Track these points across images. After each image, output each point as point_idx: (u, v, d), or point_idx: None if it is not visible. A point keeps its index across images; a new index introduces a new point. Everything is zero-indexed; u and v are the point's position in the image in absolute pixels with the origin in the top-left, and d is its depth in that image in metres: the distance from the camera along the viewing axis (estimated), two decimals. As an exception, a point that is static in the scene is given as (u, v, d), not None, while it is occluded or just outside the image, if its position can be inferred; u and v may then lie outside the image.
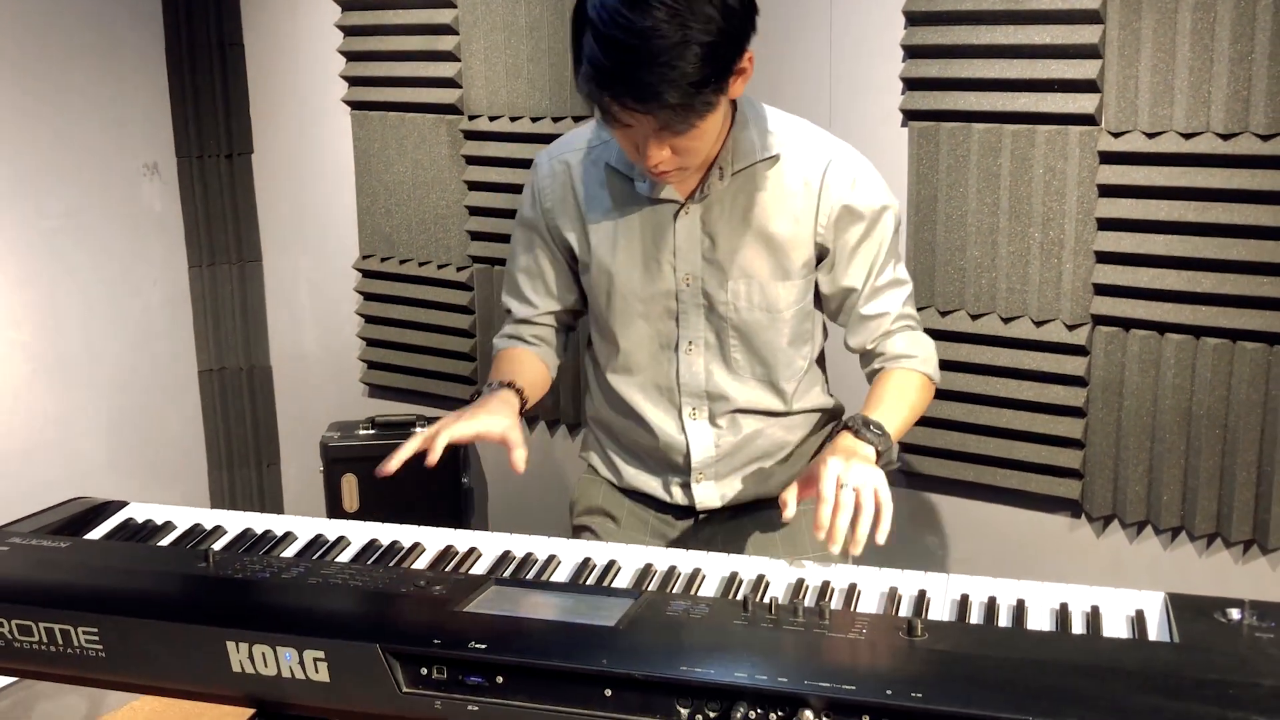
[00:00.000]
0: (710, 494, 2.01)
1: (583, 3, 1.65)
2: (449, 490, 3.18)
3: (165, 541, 1.88)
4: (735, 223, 1.87)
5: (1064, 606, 1.56)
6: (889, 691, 1.31)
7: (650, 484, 2.05)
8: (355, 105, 3.23)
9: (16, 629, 1.61)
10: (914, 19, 2.45)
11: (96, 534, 1.90)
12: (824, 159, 1.85)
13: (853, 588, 1.65)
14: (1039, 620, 1.55)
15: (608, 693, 1.40)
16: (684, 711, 1.38)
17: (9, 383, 3.07)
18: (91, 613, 1.58)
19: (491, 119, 3.02)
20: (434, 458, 1.75)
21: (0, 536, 1.81)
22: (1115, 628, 1.53)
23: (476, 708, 1.44)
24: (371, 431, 3.21)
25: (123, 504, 2.00)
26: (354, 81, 3.22)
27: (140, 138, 3.31)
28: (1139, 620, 1.53)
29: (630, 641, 1.45)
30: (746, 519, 2.03)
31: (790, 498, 1.74)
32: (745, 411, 1.97)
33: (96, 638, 1.58)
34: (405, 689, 1.47)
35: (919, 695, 1.30)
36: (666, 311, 1.93)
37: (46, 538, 1.82)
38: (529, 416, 3.18)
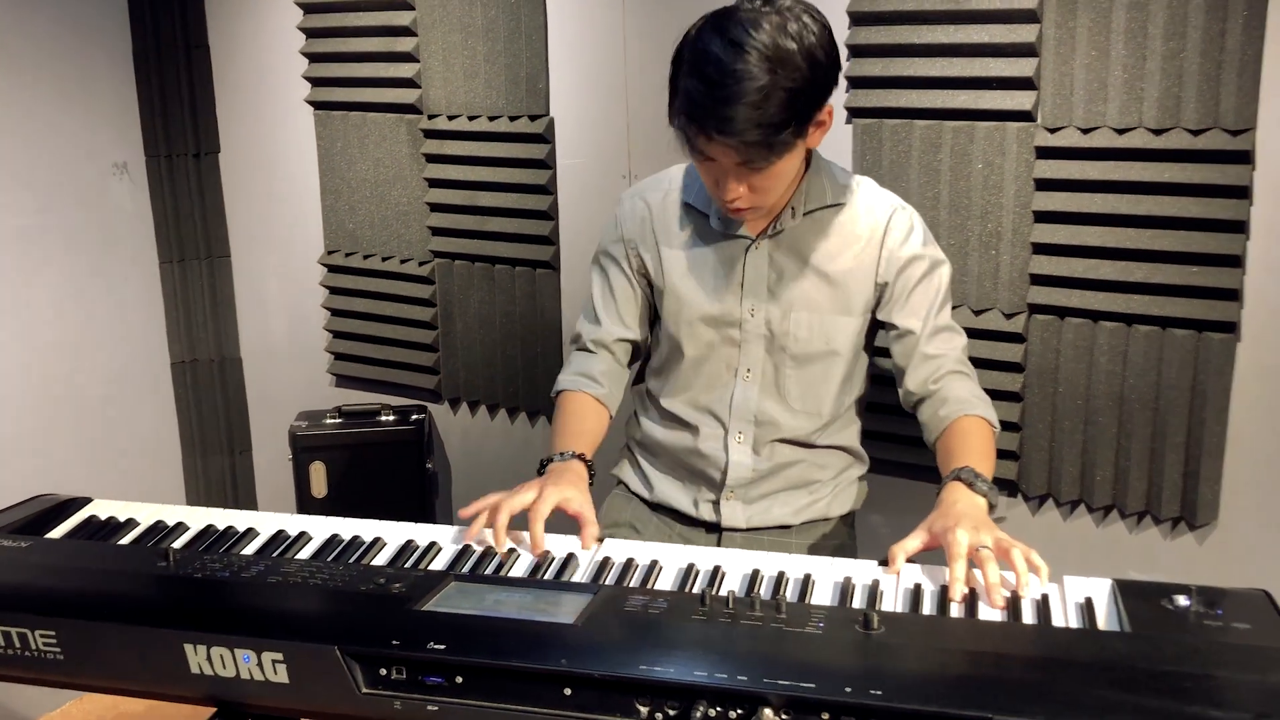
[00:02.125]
0: (736, 514, 1.95)
1: (683, 44, 1.67)
2: (414, 476, 3.06)
3: (127, 540, 1.76)
4: (802, 259, 1.85)
5: (1014, 595, 1.48)
6: (848, 689, 1.22)
7: (680, 499, 1.99)
8: (318, 105, 3.09)
9: (-28, 634, 1.48)
10: (858, 19, 2.35)
11: (58, 533, 1.78)
12: (888, 210, 1.86)
13: (807, 578, 1.55)
14: (990, 609, 1.46)
15: (567, 691, 1.31)
16: (644, 710, 1.28)
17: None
18: (49, 615, 1.46)
19: (450, 118, 2.89)
20: (539, 550, 1.65)
21: (-42, 536, 1.69)
22: (1065, 616, 1.44)
23: (436, 708, 1.34)
24: (338, 420, 3.09)
25: (86, 500, 1.87)
26: (316, 82, 3.08)
27: (109, 138, 3.15)
28: (1088, 608, 1.44)
29: (589, 639, 1.35)
30: (766, 540, 1.95)
31: (901, 555, 1.55)
32: (787, 441, 1.91)
33: (54, 640, 1.46)
34: (365, 690, 1.36)
35: (878, 693, 1.21)
36: (729, 339, 1.89)
37: (7, 537, 1.70)
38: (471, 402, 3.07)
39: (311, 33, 3.04)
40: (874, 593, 1.50)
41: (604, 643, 1.34)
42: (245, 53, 3.18)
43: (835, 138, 2.41)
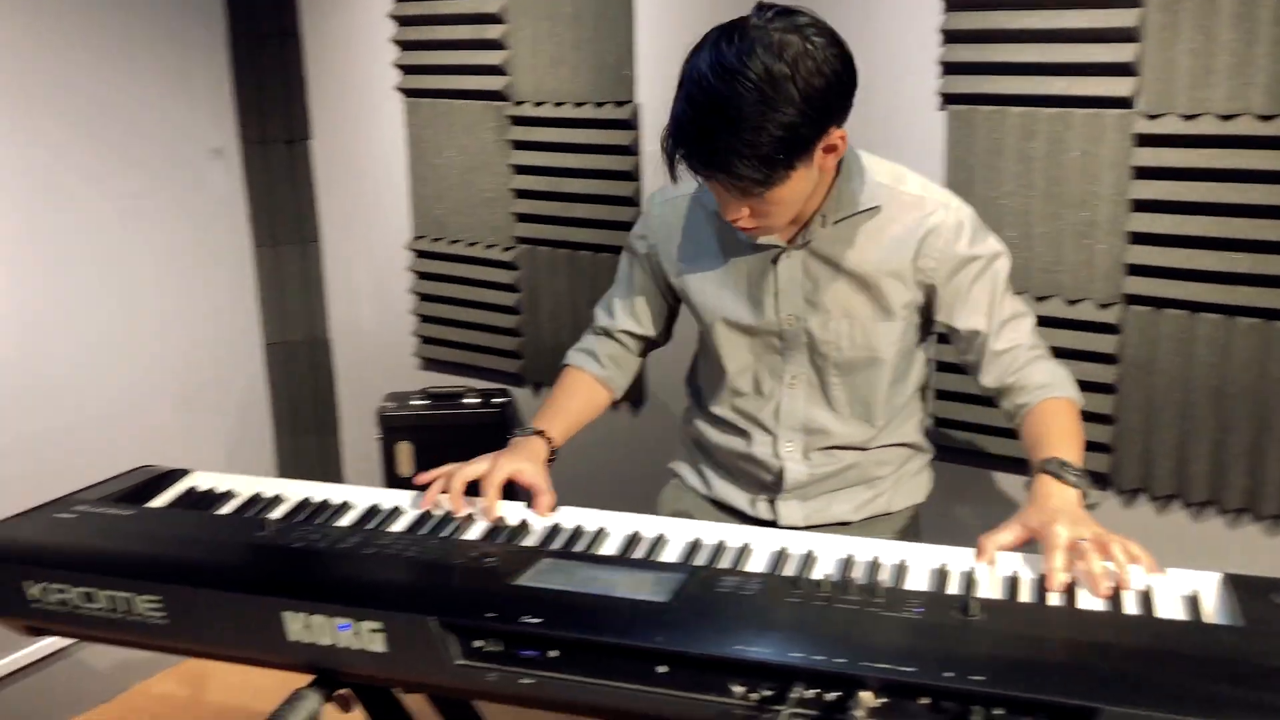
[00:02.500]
0: (794, 512, 1.91)
1: (687, 62, 1.55)
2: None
3: (226, 510, 1.77)
4: (836, 267, 1.76)
5: (1116, 587, 1.42)
6: (947, 674, 1.19)
7: (737, 499, 1.95)
8: (408, 93, 3.10)
9: (81, 596, 1.51)
10: (952, 4, 2.30)
11: (160, 502, 1.80)
12: (929, 210, 1.73)
13: (902, 564, 1.52)
14: (1090, 599, 1.41)
15: (662, 669, 1.29)
16: (738, 690, 1.26)
17: (86, 356, 2.97)
18: (154, 581, 1.48)
19: (537, 104, 2.89)
20: (492, 516, 1.71)
21: (67, 504, 1.72)
22: (1170, 608, 1.39)
23: (531, 680, 1.34)
24: (425, 401, 3.10)
25: (185, 472, 1.90)
26: (406, 70, 3.10)
27: (206, 124, 3.19)
28: (1194, 601, 1.39)
29: (683, 618, 1.33)
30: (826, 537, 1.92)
31: (992, 547, 1.51)
32: (842, 447, 1.86)
33: (158, 606, 1.48)
34: (459, 661, 1.36)
35: (980, 678, 1.18)
36: (771, 347, 1.84)
37: (112, 505, 1.73)
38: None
39: (402, 20, 3.05)
40: (969, 579, 1.47)
41: (698, 622, 1.32)
42: (336, 41, 3.21)
43: (927, 125, 2.37)
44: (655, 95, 2.71)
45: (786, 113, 1.49)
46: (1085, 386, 2.17)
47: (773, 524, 1.91)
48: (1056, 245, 2.27)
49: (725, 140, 1.50)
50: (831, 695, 1.22)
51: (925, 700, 1.20)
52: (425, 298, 3.26)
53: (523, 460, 1.77)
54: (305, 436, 3.52)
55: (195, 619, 1.46)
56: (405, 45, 3.08)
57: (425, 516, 1.73)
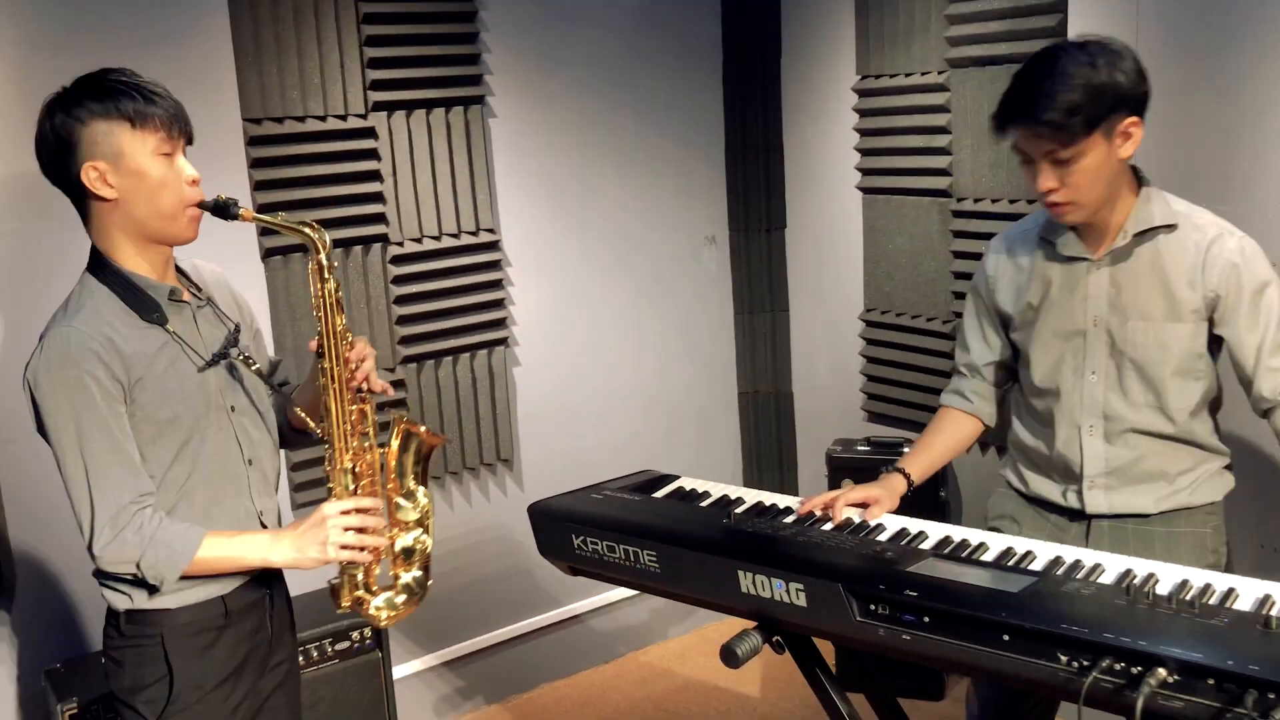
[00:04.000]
0: (1099, 500, 2.13)
1: None
2: (929, 501, 3.40)
3: (704, 504, 2.32)
4: (1137, 275, 2.04)
5: None
6: (1230, 662, 1.46)
7: (1051, 491, 2.20)
8: (866, 190, 3.60)
9: (606, 548, 2.11)
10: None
11: (659, 494, 2.38)
12: (1214, 232, 2.01)
13: (1230, 591, 1.73)
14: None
15: (1006, 638, 1.65)
16: (1063, 659, 1.59)
17: (606, 392, 3.71)
18: (653, 541, 2.05)
19: (976, 201, 3.26)
20: (838, 518, 2.13)
21: (598, 489, 2.35)
22: None
23: (909, 637, 1.74)
24: (868, 448, 3.52)
25: (676, 477, 2.47)
26: (865, 172, 3.59)
27: (704, 217, 3.87)
28: None
29: (1028, 605, 1.68)
30: (1130, 527, 2.12)
31: None
32: (1136, 432, 2.08)
33: (655, 559, 2.04)
34: (859, 618, 1.80)
35: (1255, 667, 1.44)
36: (1076, 347, 2.11)
37: (627, 493, 2.33)
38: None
39: (864, 132, 3.56)
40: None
41: (1038, 608, 1.67)
42: (810, 150, 3.77)
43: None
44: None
45: (1094, 78, 1.89)
46: None
47: (1082, 513, 2.15)
48: None
49: (1040, 85, 1.89)
50: (1135, 669, 1.52)
51: (1211, 680, 1.47)
52: (873, 360, 3.71)
53: (878, 490, 2.18)
54: (768, 470, 4.08)
55: (678, 570, 2.01)
56: (865, 152, 3.58)
57: (847, 521, 2.17)
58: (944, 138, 3.30)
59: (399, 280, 3.20)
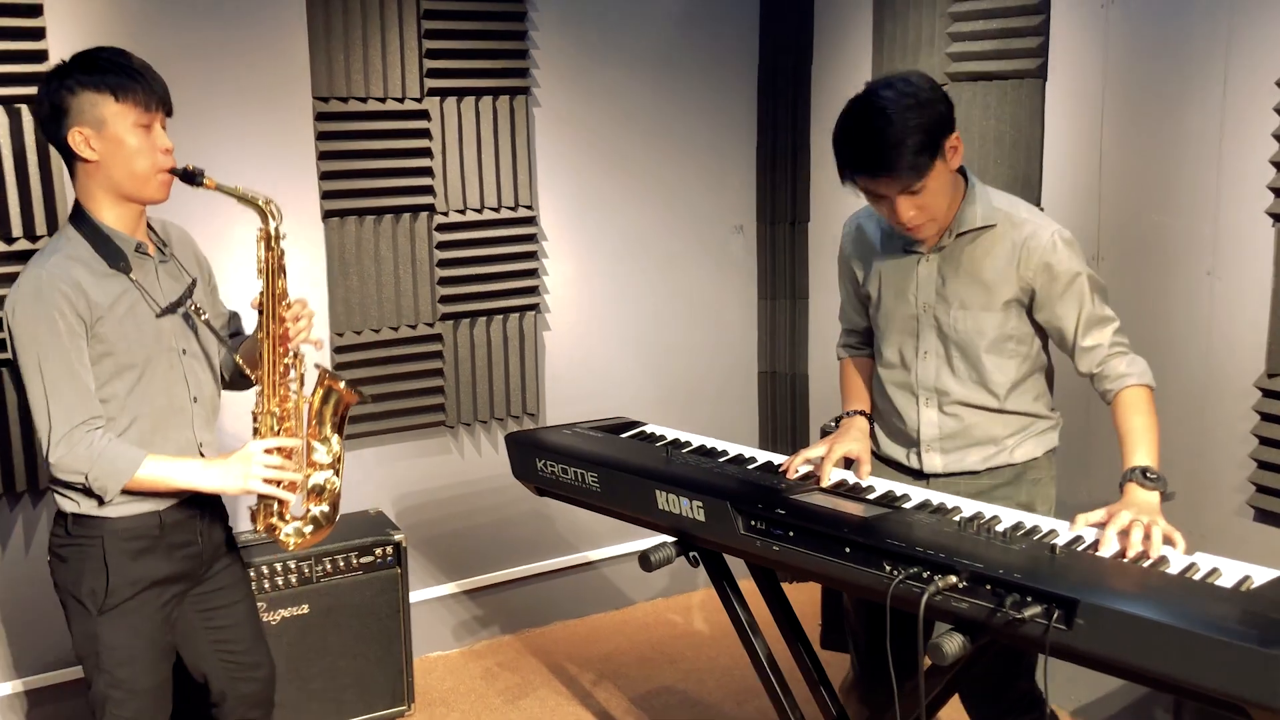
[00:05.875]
0: (935, 462, 2.45)
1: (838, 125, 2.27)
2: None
3: (656, 444, 2.71)
4: (958, 268, 2.35)
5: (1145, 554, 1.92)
6: (1001, 570, 1.81)
7: (897, 452, 2.53)
8: (876, 190, 3.94)
9: (560, 470, 2.54)
10: None
11: (624, 435, 2.79)
12: (1030, 229, 2.29)
13: (1049, 530, 2.07)
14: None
15: (847, 550, 2.02)
16: (887, 568, 1.96)
17: (629, 362, 4.13)
18: (596, 465, 2.46)
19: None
20: (825, 481, 2.37)
21: (572, 427, 2.78)
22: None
23: (778, 549, 2.12)
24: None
25: (644, 423, 2.88)
26: (878, 173, 3.93)
27: (733, 207, 4.26)
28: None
29: (870, 525, 2.06)
30: (961, 483, 2.42)
31: (1082, 521, 2.07)
32: (963, 404, 2.41)
33: (597, 480, 2.46)
34: (742, 531, 2.18)
35: (1018, 575, 1.79)
36: (910, 330, 2.43)
37: (596, 432, 2.75)
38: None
39: (877, 136, 3.90)
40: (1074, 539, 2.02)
41: (875, 528, 2.04)
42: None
43: None
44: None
45: (924, 115, 2.13)
46: None
47: (921, 472, 2.45)
48: None
49: (885, 138, 2.12)
50: (939, 578, 1.87)
51: (989, 587, 1.82)
52: (877, 349, 4.05)
53: (852, 441, 2.48)
54: (782, 446, 4.44)
55: (614, 489, 2.43)
56: (878, 155, 3.92)
57: (769, 464, 2.54)
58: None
59: (442, 245, 3.68)
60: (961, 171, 2.33)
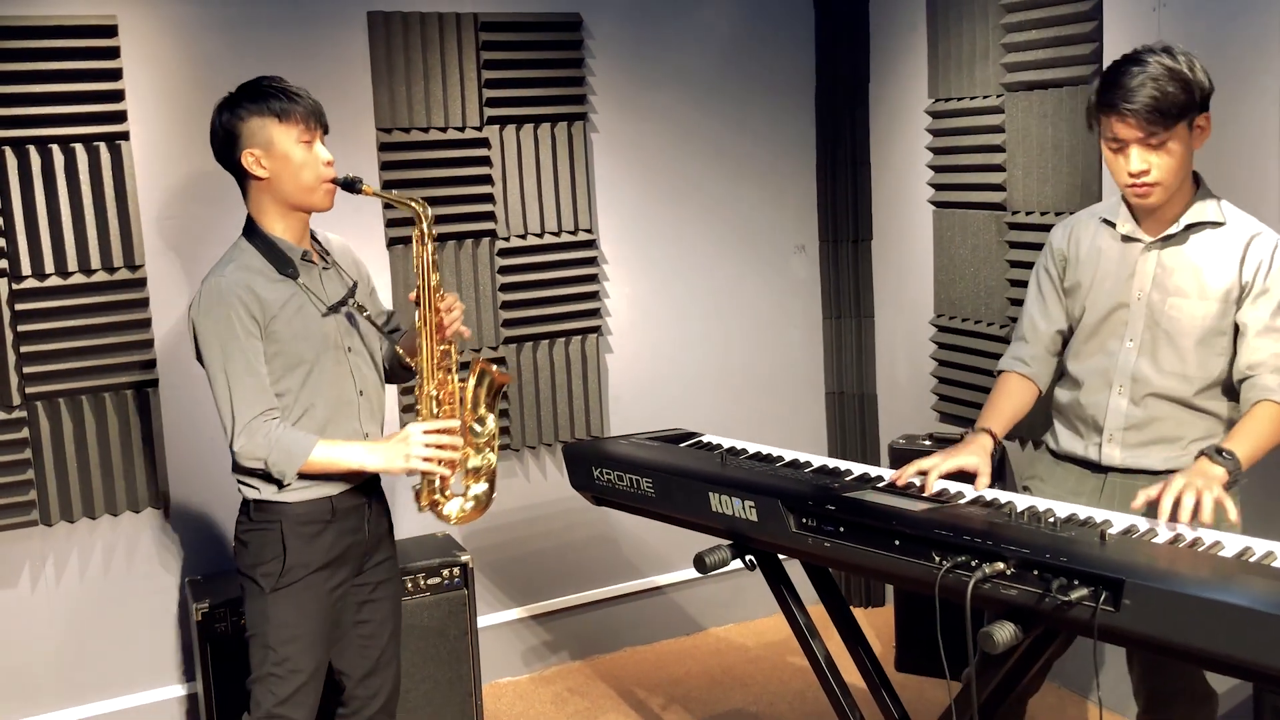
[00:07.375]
0: (1115, 455, 2.45)
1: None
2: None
3: (713, 451, 2.77)
4: (1182, 259, 2.39)
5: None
6: (1048, 555, 1.84)
7: (1075, 445, 2.53)
8: (936, 205, 3.98)
9: (615, 477, 2.61)
10: None
11: (682, 445, 2.85)
12: (1254, 231, 2.36)
13: (1104, 520, 2.08)
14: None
15: (897, 542, 2.06)
16: (937, 559, 1.99)
17: (693, 380, 4.20)
18: (651, 471, 2.53)
19: (1027, 213, 3.59)
20: (930, 490, 2.34)
21: (630, 438, 2.85)
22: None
23: (829, 545, 2.17)
24: (928, 444, 3.87)
25: (701, 434, 2.94)
26: (937, 187, 3.97)
27: (795, 226, 4.32)
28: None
29: (919, 518, 2.10)
30: (1140, 483, 2.34)
31: (1142, 496, 2.12)
32: (1157, 396, 2.40)
33: (651, 485, 2.53)
34: (793, 529, 2.23)
35: (1065, 559, 1.81)
36: (1120, 319, 2.45)
37: (654, 441, 2.82)
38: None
39: (935, 151, 3.95)
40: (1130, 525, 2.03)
41: (924, 520, 2.08)
42: (895, 167, 4.18)
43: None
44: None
45: (1183, 72, 2.23)
46: None
47: (1100, 465, 2.46)
48: None
49: (1138, 78, 2.20)
50: (986, 566, 1.90)
51: (1036, 572, 1.85)
52: (944, 364, 4.07)
53: (970, 455, 2.41)
54: (850, 460, 4.44)
55: (668, 494, 2.50)
56: (937, 169, 3.96)
57: (823, 466, 2.58)
58: (999, 155, 3.66)
59: (504, 270, 3.80)
60: (1195, 177, 2.40)
